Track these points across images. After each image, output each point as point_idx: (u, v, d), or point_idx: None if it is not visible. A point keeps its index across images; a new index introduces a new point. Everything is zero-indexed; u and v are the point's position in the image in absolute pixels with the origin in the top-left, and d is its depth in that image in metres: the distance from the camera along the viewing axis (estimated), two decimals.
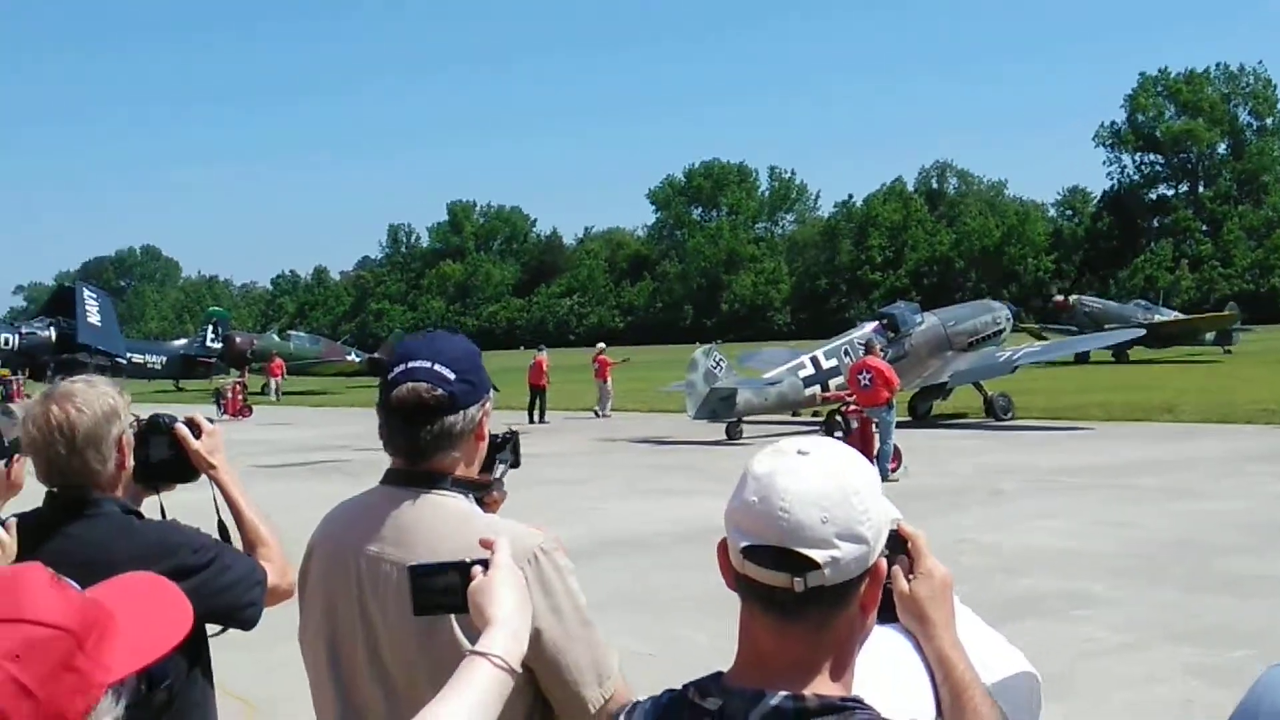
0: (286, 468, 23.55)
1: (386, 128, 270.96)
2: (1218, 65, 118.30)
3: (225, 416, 39.30)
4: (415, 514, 2.53)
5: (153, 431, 3.20)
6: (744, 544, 1.71)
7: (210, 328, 64.60)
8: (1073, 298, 55.33)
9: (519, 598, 2.03)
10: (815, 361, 27.31)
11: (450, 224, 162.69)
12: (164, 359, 63.84)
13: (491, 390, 2.67)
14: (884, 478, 17.72)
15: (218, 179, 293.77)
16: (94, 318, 58.98)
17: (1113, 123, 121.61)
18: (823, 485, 1.70)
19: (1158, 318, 52.18)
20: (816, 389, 26.75)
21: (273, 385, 50.92)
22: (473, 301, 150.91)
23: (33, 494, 3.24)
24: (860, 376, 19.46)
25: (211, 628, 3.05)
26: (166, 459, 3.21)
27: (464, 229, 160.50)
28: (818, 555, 1.67)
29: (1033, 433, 25.04)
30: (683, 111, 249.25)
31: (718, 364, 26.19)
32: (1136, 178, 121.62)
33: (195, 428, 3.26)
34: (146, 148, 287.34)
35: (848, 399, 20.03)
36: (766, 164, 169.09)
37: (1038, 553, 12.56)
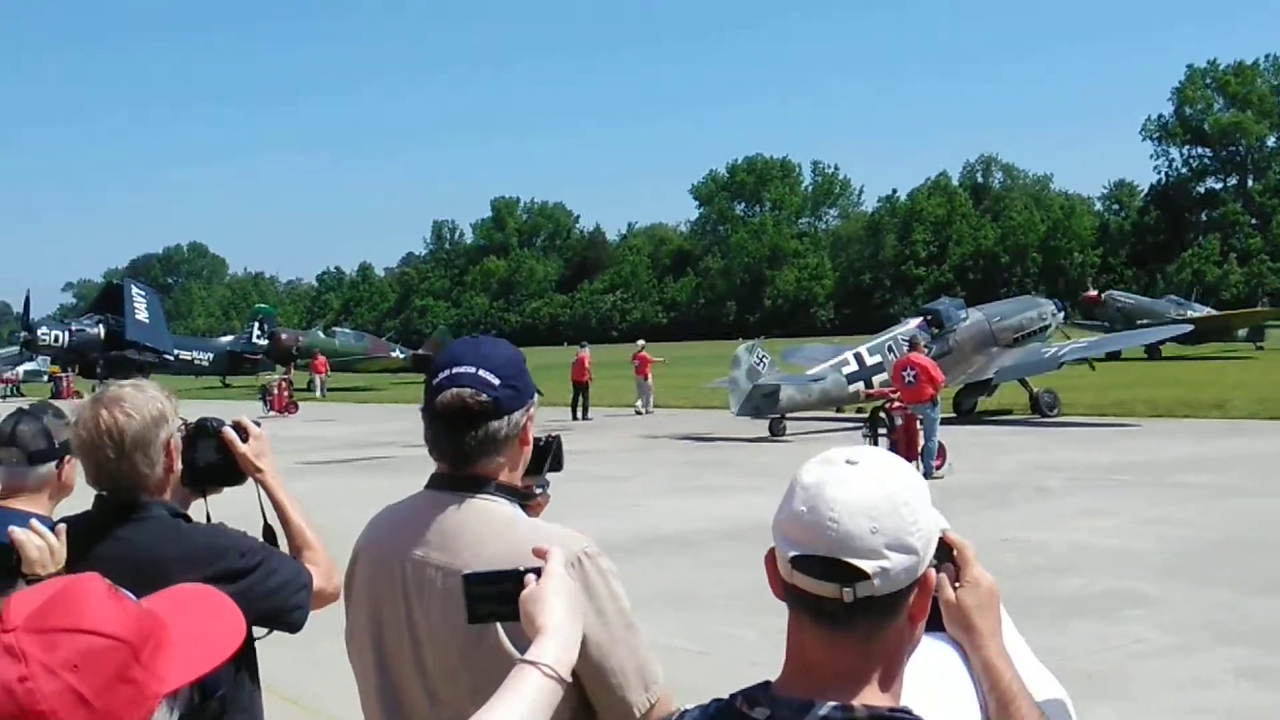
0: (333, 464, 23.71)
1: (432, 125, 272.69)
2: (1267, 57, 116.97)
3: (271, 413, 39.58)
4: (460, 519, 2.54)
5: (200, 435, 3.22)
6: (792, 554, 1.70)
7: (256, 324, 65.14)
8: (1104, 293, 54.64)
9: (570, 607, 2.04)
10: (859, 358, 27.21)
11: (494, 220, 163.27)
12: (211, 356, 64.40)
13: (536, 395, 2.67)
14: (928, 475, 17.82)
15: (264, 176, 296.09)
16: (142, 315, 59.54)
17: (1160, 116, 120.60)
18: (872, 495, 1.69)
19: (1190, 313, 51.52)
20: (860, 385, 26.65)
21: (317, 382, 51.21)
22: (516, 298, 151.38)
23: (82, 495, 3.28)
24: (904, 373, 19.36)
25: (258, 630, 3.07)
26: (214, 462, 3.23)
27: (508, 225, 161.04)
28: (867, 565, 1.66)
29: (1079, 429, 24.82)
30: (726, 106, 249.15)
31: (761, 360, 26.14)
32: (1184, 171, 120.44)
33: (242, 431, 3.28)
34: (195, 145, 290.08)
35: (892, 395, 19.93)
36: (810, 159, 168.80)
37: (1085, 551, 12.45)
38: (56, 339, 59.52)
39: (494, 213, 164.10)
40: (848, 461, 1.75)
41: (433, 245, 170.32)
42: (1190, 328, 38.50)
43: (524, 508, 2.65)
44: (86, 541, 2.94)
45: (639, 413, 34.67)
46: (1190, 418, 25.81)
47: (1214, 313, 56.50)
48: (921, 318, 28.85)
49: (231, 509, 3.33)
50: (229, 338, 71.04)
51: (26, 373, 67.64)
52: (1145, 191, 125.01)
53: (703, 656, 8.79)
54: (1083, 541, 12.97)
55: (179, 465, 3.12)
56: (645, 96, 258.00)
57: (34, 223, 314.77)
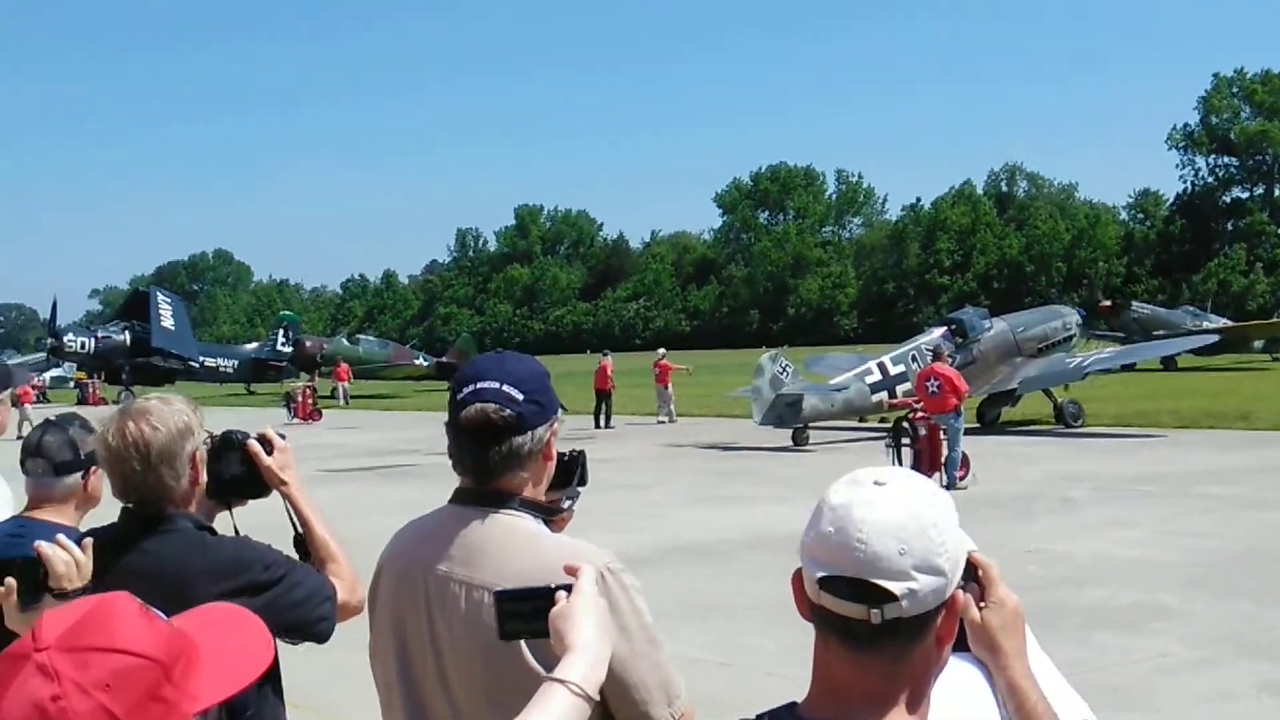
0: (356, 472, 23.77)
1: (456, 133, 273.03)
2: None
3: (295, 420, 39.74)
4: (483, 534, 2.55)
5: (225, 448, 3.24)
6: (820, 575, 1.71)
7: (281, 331, 65.36)
8: (1117, 302, 54.21)
9: (600, 625, 2.05)
10: (882, 367, 27.16)
11: (517, 228, 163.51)
12: (235, 363, 64.63)
13: (560, 410, 2.68)
14: (952, 486, 17.80)
15: (289, 184, 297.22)
16: (168, 322, 59.91)
17: (1185, 125, 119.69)
18: (900, 517, 1.70)
19: (1206, 324, 51.15)
20: (884, 395, 26.59)
21: (340, 389, 51.38)
22: (539, 305, 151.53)
23: (109, 506, 3.30)
24: (928, 383, 19.32)
25: (289, 641, 3.09)
26: (239, 475, 3.24)
27: (531, 233, 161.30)
28: (895, 587, 1.66)
29: (1103, 440, 24.71)
30: (750, 115, 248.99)
31: (784, 369, 26.12)
32: (1210, 180, 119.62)
33: (267, 444, 3.29)
34: (221, 152, 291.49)
35: (915, 405, 19.89)
36: (834, 167, 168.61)
37: (1108, 563, 12.39)
38: (83, 345, 59.86)
39: (518, 220, 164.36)
40: (875, 482, 1.76)
41: (457, 253, 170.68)
42: (1216, 338, 38.29)
43: (548, 523, 2.66)
44: (112, 554, 2.96)
45: (666, 421, 34.66)
46: (1215, 429, 25.69)
47: (1230, 324, 56.06)
48: (945, 327, 28.78)
49: (256, 519, 3.34)
50: (254, 345, 71.26)
51: (53, 379, 68.04)
52: (1171, 201, 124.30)
53: (725, 668, 8.78)
54: (1106, 553, 12.92)
55: (204, 478, 3.14)
56: (669, 105, 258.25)
57: (61, 229, 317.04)
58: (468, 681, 2.51)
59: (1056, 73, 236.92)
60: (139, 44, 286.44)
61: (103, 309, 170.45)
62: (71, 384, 64.73)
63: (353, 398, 51.35)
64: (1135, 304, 55.99)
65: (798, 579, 1.78)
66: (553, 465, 2.69)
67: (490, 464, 2.56)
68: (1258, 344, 52.45)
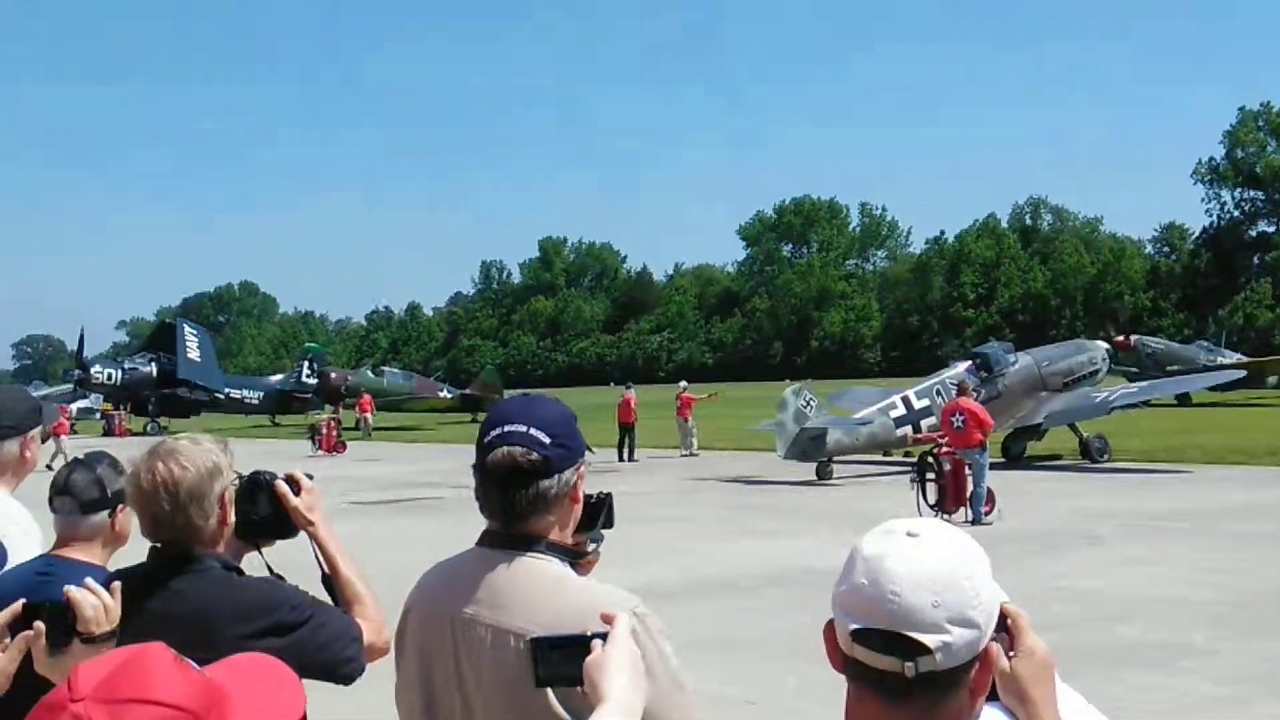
0: (382, 504, 23.80)
1: (480, 166, 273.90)
2: None
3: (320, 452, 39.82)
4: (509, 577, 2.55)
5: (254, 488, 3.25)
6: (853, 627, 1.71)
7: (306, 363, 65.69)
8: (1134, 338, 53.52)
9: (634, 675, 2.06)
10: (907, 401, 27.10)
11: (541, 260, 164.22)
12: (261, 394, 64.96)
13: (587, 453, 2.69)
14: (977, 521, 17.71)
15: (313, 215, 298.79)
16: (194, 353, 60.35)
17: (1211, 158, 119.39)
18: (934, 568, 1.70)
19: (1220, 359, 50.77)
20: (908, 429, 26.52)
21: (363, 421, 51.49)
22: (563, 338, 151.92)
23: (137, 543, 3.31)
24: (953, 418, 19.27)
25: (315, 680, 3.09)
26: (267, 516, 3.25)
27: (555, 265, 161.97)
28: (929, 640, 1.66)
29: (1129, 475, 24.57)
30: (773, 148, 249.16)
31: (808, 403, 26.08)
32: (1236, 214, 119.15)
33: (295, 485, 3.31)
34: (244, 185, 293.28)
35: (940, 440, 19.82)
36: (858, 200, 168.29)
37: (1137, 601, 12.30)
38: (109, 377, 60.32)
39: (541, 253, 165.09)
40: (908, 533, 1.75)
41: (481, 285, 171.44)
42: (1243, 374, 38.01)
43: (574, 565, 2.67)
44: (140, 594, 2.97)
45: (690, 454, 34.62)
46: (1244, 464, 25.50)
47: (1244, 359, 55.52)
48: (970, 361, 28.74)
49: (284, 559, 3.35)
50: (279, 376, 71.62)
51: (79, 410, 68.45)
52: (1196, 234, 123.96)
53: (750, 705, 8.75)
54: (1134, 590, 12.82)
55: (233, 518, 3.16)
56: (692, 137, 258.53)
57: (88, 261, 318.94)
58: None
59: (1080, 106, 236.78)
60: (165, 77, 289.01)
61: (129, 340, 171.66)
62: (98, 415, 65.10)
63: (376, 429, 51.44)
64: (1150, 339, 55.60)
65: (829, 630, 1.78)
66: (579, 508, 2.70)
67: (517, 507, 2.56)
68: (1272, 379, 52.08)
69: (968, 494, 18.43)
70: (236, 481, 3.18)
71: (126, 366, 62.22)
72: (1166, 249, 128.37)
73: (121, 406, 60.46)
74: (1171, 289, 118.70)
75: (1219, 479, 23.10)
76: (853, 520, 18.59)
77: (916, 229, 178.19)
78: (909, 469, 21.83)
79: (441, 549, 2.76)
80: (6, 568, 3.82)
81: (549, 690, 2.37)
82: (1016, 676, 1.94)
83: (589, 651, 2.09)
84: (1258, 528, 16.75)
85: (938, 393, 26.54)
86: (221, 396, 62.31)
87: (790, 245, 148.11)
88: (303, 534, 3.31)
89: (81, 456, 3.82)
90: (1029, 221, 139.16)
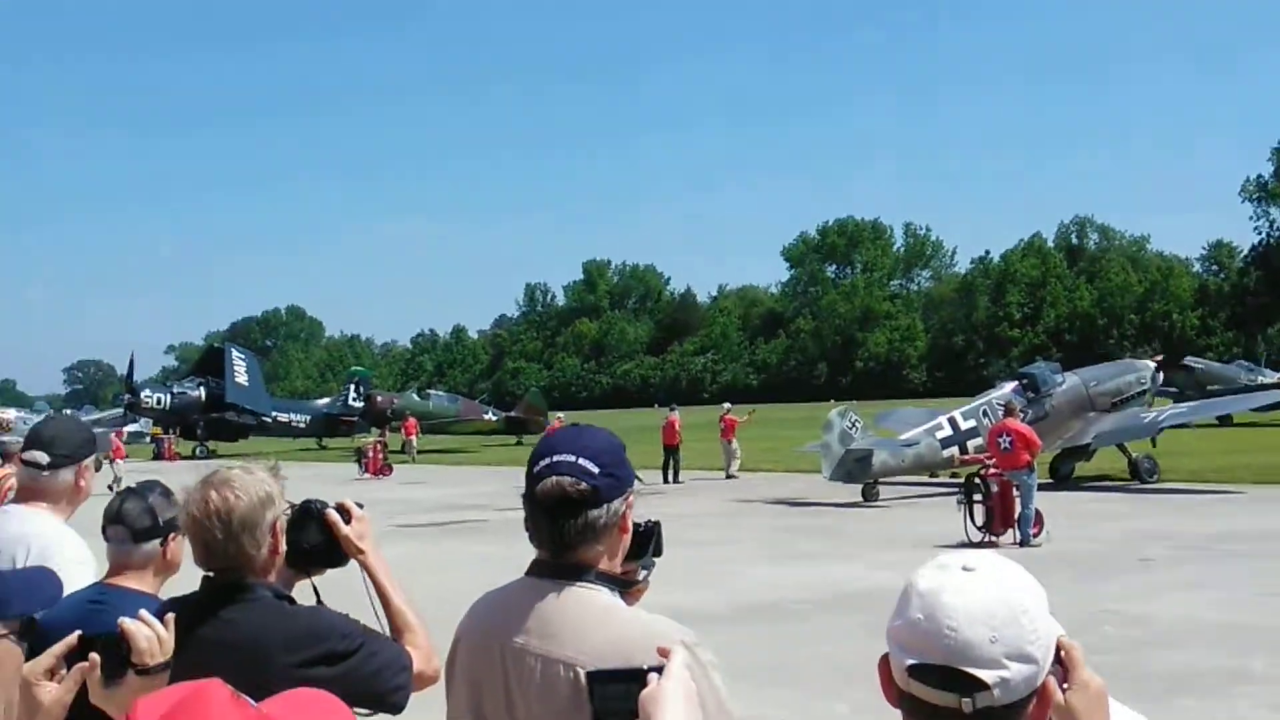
0: (429, 527, 23.85)
1: (525, 189, 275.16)
2: None
3: (366, 475, 39.98)
4: (559, 606, 2.55)
5: (305, 517, 3.27)
6: (910, 662, 1.69)
7: (353, 387, 66.00)
8: (1162, 358, 52.80)
9: (688, 708, 2.06)
10: (953, 422, 26.92)
11: (585, 283, 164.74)
12: (308, 418, 65.33)
13: (635, 482, 2.69)
14: (1025, 543, 17.56)
15: (360, 241, 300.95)
16: (241, 377, 60.87)
17: (1259, 175, 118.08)
18: (991, 603, 1.68)
19: (1260, 379, 50.02)
20: (954, 450, 26.36)
21: (408, 444, 51.63)
22: (607, 360, 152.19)
23: (190, 571, 3.34)
24: (1000, 439, 19.13)
25: (362, 711, 3.10)
26: (317, 544, 3.27)
27: (599, 288, 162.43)
28: (987, 676, 1.65)
29: (1180, 496, 24.28)
30: (816, 168, 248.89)
31: (853, 425, 25.97)
32: None
33: (345, 513, 3.33)
34: (291, 211, 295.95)
35: (987, 461, 19.68)
36: (902, 220, 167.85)
37: (1189, 625, 12.14)
38: (159, 401, 60.94)
39: (585, 275, 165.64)
40: (964, 568, 1.74)
41: (525, 307, 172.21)
42: None
43: (623, 595, 2.67)
44: (193, 623, 2.99)
45: (730, 476, 34.54)
46: None
47: None
48: (1017, 381, 28.53)
49: (335, 587, 3.37)
50: (325, 400, 72.09)
51: (130, 434, 69.09)
52: (1245, 252, 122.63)
53: None
54: (1186, 614, 12.65)
55: (284, 547, 3.18)
56: (736, 160, 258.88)
57: (138, 287, 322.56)
58: None
59: (1126, 124, 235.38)
60: (214, 112, 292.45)
61: (178, 365, 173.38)
62: (147, 439, 65.61)
63: (421, 452, 51.57)
64: (1190, 359, 54.94)
65: (884, 666, 1.77)
66: (628, 537, 2.69)
67: (566, 537, 2.56)
68: None
69: (1015, 516, 18.28)
70: (288, 510, 3.20)
71: (175, 391, 62.83)
72: (1215, 267, 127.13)
73: (171, 430, 60.97)
74: (1220, 308, 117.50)
75: (1272, 499, 22.79)
76: (899, 543, 18.48)
77: (961, 248, 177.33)
78: (956, 490, 21.68)
79: (488, 572, 2.77)
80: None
81: None
82: (1071, 710, 1.93)
83: (644, 685, 2.10)
84: None
85: (984, 414, 26.36)
86: (269, 420, 62.75)
87: (834, 266, 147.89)
88: (353, 562, 3.33)
89: (134, 486, 3.85)
90: (1075, 240, 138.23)
